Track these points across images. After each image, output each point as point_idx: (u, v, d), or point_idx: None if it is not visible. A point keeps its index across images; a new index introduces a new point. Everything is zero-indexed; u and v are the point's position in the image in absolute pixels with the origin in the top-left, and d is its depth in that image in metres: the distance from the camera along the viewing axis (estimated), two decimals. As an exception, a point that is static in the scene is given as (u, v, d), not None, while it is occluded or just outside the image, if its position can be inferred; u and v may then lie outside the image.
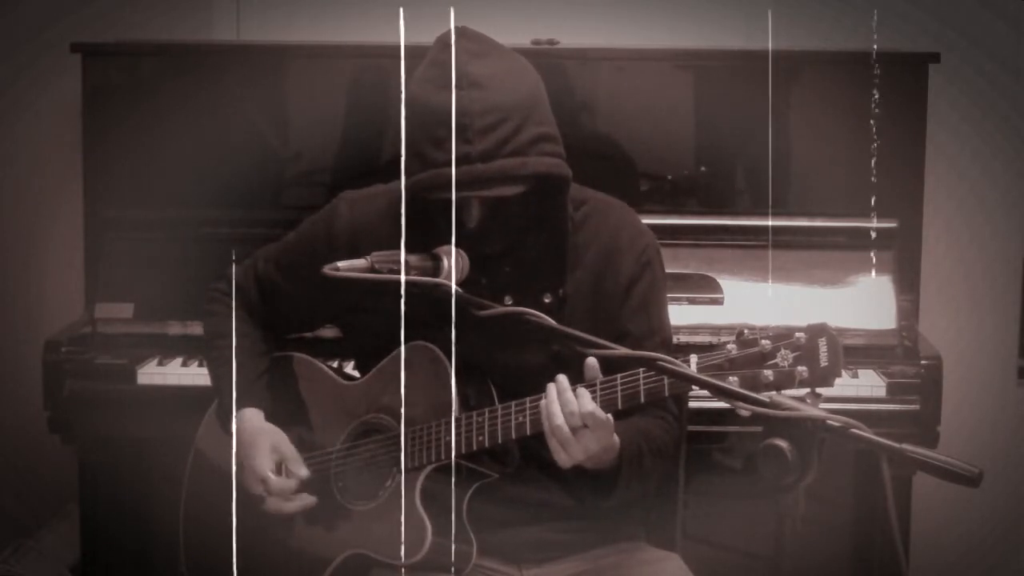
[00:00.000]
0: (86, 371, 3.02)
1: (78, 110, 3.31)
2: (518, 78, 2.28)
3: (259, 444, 2.42)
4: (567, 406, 2.14)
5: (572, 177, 2.31)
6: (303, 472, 2.41)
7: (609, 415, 2.15)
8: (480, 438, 2.26)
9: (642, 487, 2.34)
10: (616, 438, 2.20)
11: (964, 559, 3.62)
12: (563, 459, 2.18)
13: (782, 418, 1.85)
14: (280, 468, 2.42)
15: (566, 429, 2.14)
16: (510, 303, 2.32)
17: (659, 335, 2.37)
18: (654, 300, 2.39)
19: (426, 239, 2.28)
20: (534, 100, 2.27)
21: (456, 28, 2.30)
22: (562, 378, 2.17)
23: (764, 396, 1.91)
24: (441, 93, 2.23)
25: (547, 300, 2.34)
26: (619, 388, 2.14)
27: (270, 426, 2.45)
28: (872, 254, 3.13)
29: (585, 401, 2.14)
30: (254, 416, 2.46)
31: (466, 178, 2.21)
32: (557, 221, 2.35)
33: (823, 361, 1.96)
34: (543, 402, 2.17)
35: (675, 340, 2.51)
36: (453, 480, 2.32)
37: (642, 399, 2.13)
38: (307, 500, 2.41)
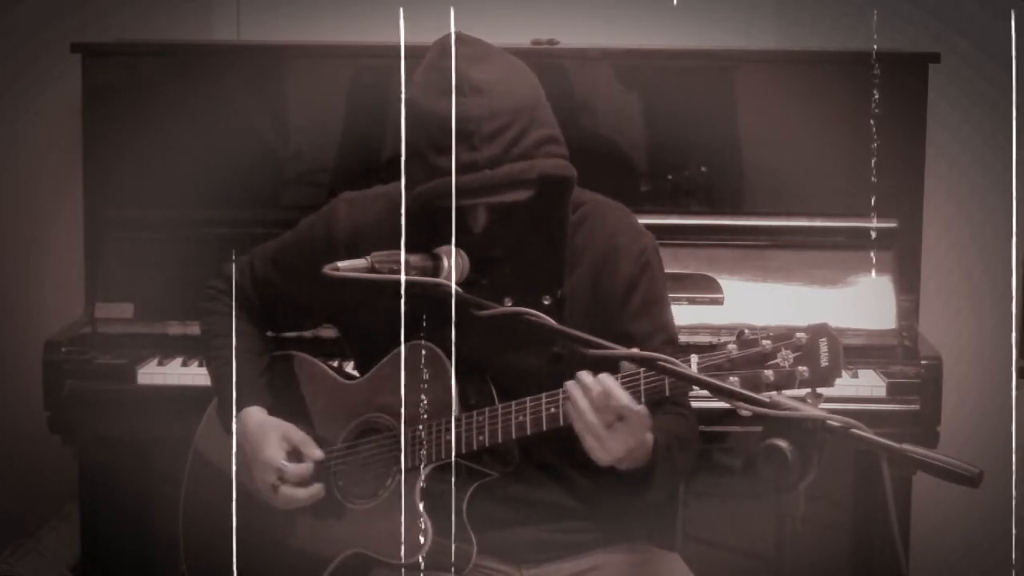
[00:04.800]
0: (86, 371, 3.02)
1: (78, 110, 3.31)
2: (518, 81, 2.28)
3: (268, 436, 2.42)
4: (598, 401, 2.13)
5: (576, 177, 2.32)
6: (318, 454, 2.41)
7: (643, 406, 2.13)
8: (480, 437, 2.26)
9: (674, 482, 2.32)
10: (649, 435, 2.19)
11: (964, 559, 3.61)
12: (601, 456, 2.16)
13: (782, 418, 1.85)
14: (290, 457, 2.42)
15: (600, 425, 2.13)
16: (510, 305, 2.32)
17: (662, 335, 2.37)
18: (655, 300, 2.39)
19: (428, 243, 2.28)
20: (535, 102, 2.27)
21: (453, 33, 2.29)
22: (585, 374, 2.14)
23: (764, 396, 1.91)
24: (443, 100, 2.22)
25: (546, 302, 2.34)
26: (620, 388, 2.14)
27: (274, 419, 2.46)
28: (872, 254, 3.13)
29: (619, 394, 2.11)
30: (256, 412, 2.47)
31: (475, 185, 2.20)
32: (557, 223, 2.35)
33: (824, 361, 1.96)
34: (567, 402, 2.15)
35: (676, 340, 2.51)
36: (453, 480, 2.32)
37: (642, 399, 2.12)
38: (318, 489, 2.41)
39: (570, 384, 2.15)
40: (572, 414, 2.15)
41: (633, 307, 2.37)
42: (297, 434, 2.43)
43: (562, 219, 2.35)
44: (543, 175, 2.25)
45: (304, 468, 2.41)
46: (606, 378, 2.12)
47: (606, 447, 2.14)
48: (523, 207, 2.28)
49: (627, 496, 2.32)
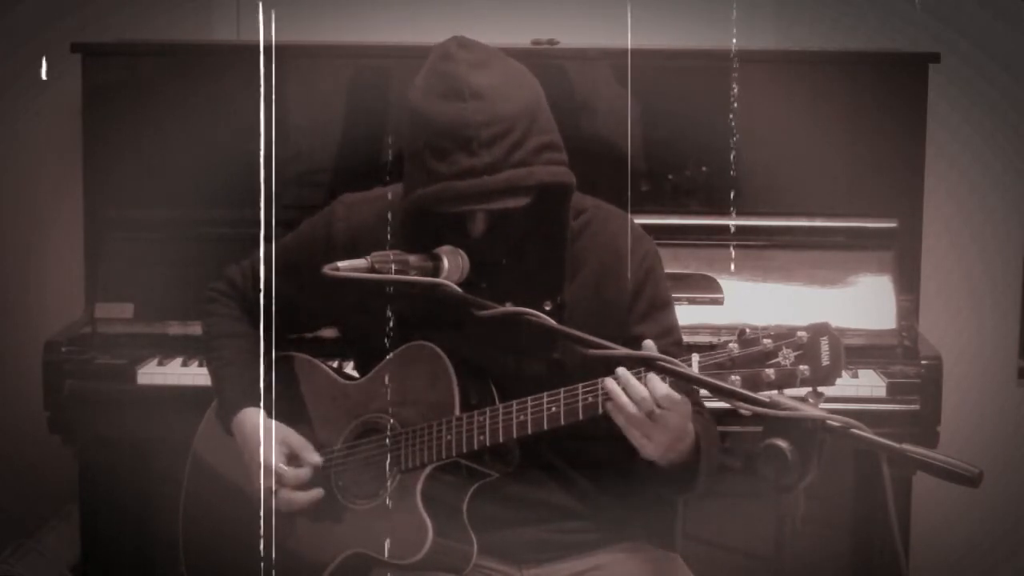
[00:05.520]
0: (86, 371, 3.01)
1: (78, 110, 3.31)
2: (519, 86, 2.27)
3: (266, 439, 2.42)
4: (636, 394, 2.12)
5: (576, 183, 2.31)
6: (316, 459, 2.41)
7: (684, 395, 2.13)
8: (481, 437, 2.26)
9: (713, 475, 2.32)
10: (691, 425, 2.19)
11: (964, 559, 3.61)
12: (650, 449, 2.16)
13: (782, 418, 1.85)
14: (289, 461, 2.42)
15: (641, 416, 2.12)
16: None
17: (668, 337, 2.37)
18: (660, 304, 2.39)
19: (427, 245, 2.28)
20: (536, 108, 2.26)
21: (454, 38, 2.29)
22: (623, 370, 2.13)
23: (764, 396, 1.91)
24: (443, 104, 2.22)
25: (547, 307, 2.33)
26: (620, 388, 2.13)
27: (274, 422, 2.46)
28: (872, 254, 3.13)
29: (656, 385, 2.11)
30: (256, 414, 2.47)
31: (474, 191, 2.20)
32: (558, 229, 2.34)
33: (825, 360, 1.96)
34: (605, 399, 2.14)
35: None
36: (453, 480, 2.32)
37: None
38: (317, 493, 2.41)
39: (607, 380, 2.14)
40: (612, 410, 2.14)
41: (639, 312, 2.37)
42: (296, 439, 2.43)
43: (562, 225, 2.34)
44: (541, 182, 2.24)
45: (302, 473, 2.41)
46: (649, 373, 2.11)
47: (653, 439, 2.14)
48: (522, 213, 2.28)
49: (672, 493, 2.35)
